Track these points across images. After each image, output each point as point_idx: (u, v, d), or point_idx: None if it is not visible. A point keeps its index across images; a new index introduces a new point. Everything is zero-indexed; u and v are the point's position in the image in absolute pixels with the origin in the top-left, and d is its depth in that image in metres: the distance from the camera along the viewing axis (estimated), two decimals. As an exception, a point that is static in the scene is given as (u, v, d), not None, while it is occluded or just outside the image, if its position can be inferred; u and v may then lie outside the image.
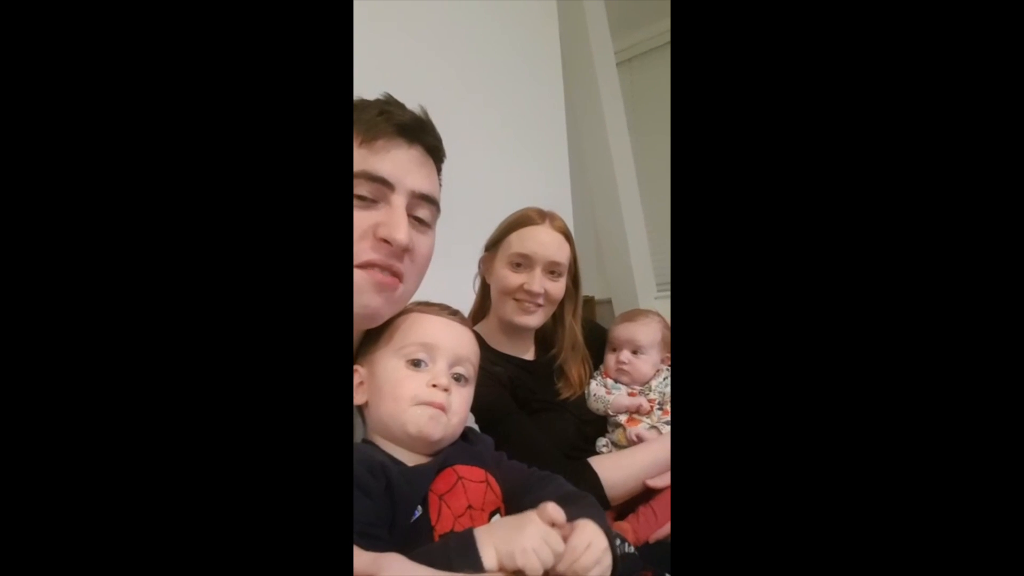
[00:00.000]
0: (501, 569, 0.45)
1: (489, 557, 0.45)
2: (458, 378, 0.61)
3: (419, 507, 0.54)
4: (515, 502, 0.58)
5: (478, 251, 1.07)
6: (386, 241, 0.57)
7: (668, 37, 2.55)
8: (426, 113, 0.64)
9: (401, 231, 0.58)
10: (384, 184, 0.58)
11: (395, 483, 0.53)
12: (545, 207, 1.04)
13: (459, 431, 0.61)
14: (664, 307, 2.06)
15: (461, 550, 0.46)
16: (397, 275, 0.60)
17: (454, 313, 0.66)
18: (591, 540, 0.48)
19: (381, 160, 0.58)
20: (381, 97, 0.64)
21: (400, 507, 0.52)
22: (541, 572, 0.45)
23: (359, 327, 0.64)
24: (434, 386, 0.58)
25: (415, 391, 0.58)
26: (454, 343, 0.61)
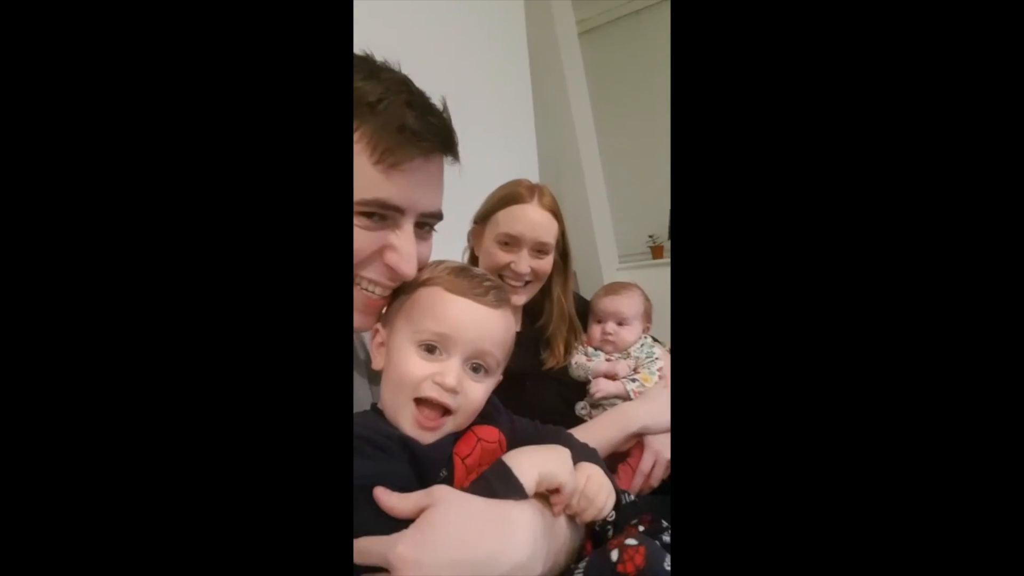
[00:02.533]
0: (538, 490, 0.50)
1: (529, 481, 0.49)
2: (476, 368, 0.55)
3: (444, 469, 0.55)
4: None
5: (451, 223, 1.05)
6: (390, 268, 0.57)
7: (629, 8, 2.57)
8: (447, 108, 0.59)
9: (409, 264, 0.56)
10: (396, 210, 0.56)
11: (419, 453, 0.54)
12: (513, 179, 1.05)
13: (468, 422, 0.57)
14: (625, 278, 2.14)
15: (501, 480, 0.49)
16: (394, 289, 0.59)
17: (488, 290, 0.56)
18: (590, 472, 0.54)
19: (396, 186, 0.54)
20: (404, 82, 0.58)
21: (428, 472, 0.54)
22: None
23: None
24: (438, 384, 0.53)
25: (418, 384, 0.53)
26: (476, 335, 0.54)
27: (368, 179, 0.53)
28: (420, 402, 0.53)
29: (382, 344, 0.58)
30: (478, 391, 0.55)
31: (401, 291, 0.59)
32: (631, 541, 0.50)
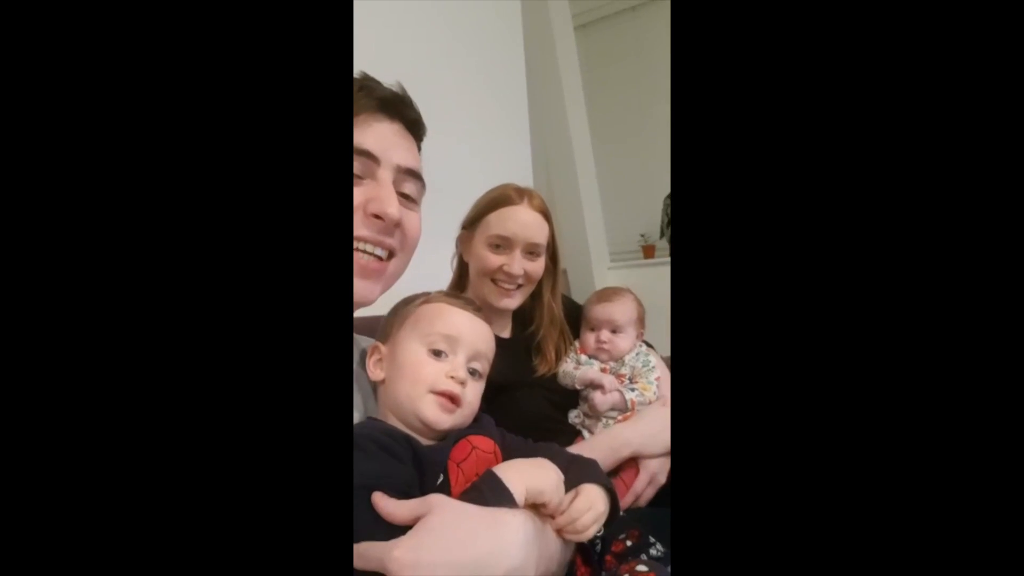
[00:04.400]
0: (526, 502, 0.52)
1: (519, 492, 0.52)
2: (473, 372, 0.64)
3: (441, 474, 0.58)
4: None
5: (441, 226, 1.04)
6: (377, 216, 0.59)
7: (627, 2, 2.55)
8: (403, 88, 0.65)
9: (392, 205, 0.59)
10: (370, 158, 0.59)
11: (420, 454, 0.57)
12: (506, 179, 1.05)
13: (469, 421, 0.64)
14: (616, 277, 2.14)
15: (492, 490, 0.52)
16: (389, 250, 0.62)
17: (479, 309, 0.68)
18: (593, 503, 0.55)
19: (364, 135, 0.59)
20: (357, 76, 0.64)
21: (427, 474, 0.56)
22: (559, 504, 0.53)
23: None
24: (451, 378, 0.61)
25: (433, 379, 0.60)
26: (475, 339, 0.64)
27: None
28: (435, 394, 0.60)
29: (380, 359, 0.65)
30: (475, 390, 0.64)
31: (399, 311, 0.67)
32: (642, 568, 0.54)
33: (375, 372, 0.64)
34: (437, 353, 0.62)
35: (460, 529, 0.48)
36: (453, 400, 0.60)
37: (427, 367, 0.61)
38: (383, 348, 0.65)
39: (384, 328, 0.68)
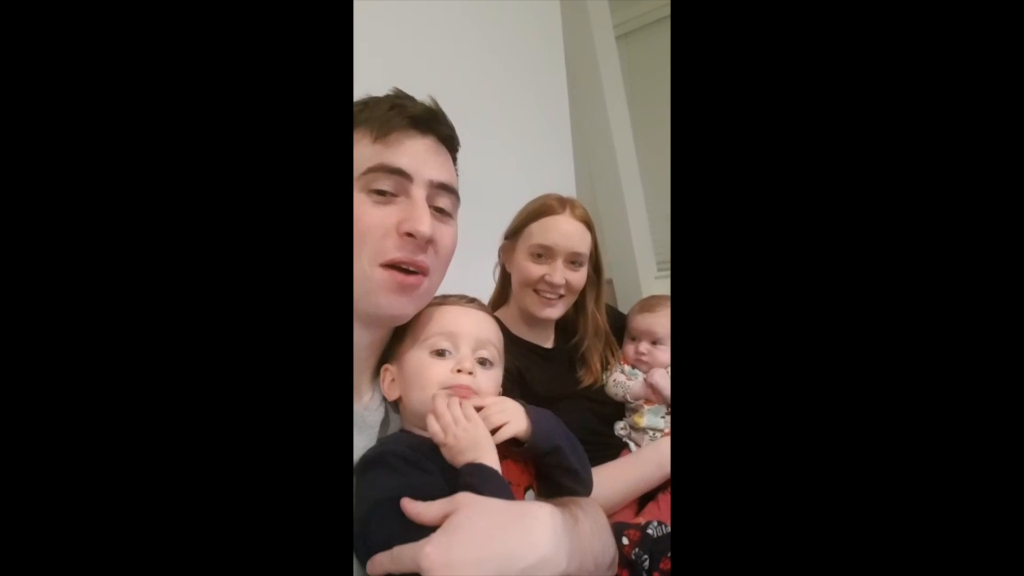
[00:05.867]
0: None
1: (494, 459, 0.54)
2: (483, 361, 0.64)
3: None
4: None
5: (484, 237, 1.06)
6: (410, 235, 0.58)
7: (666, 11, 2.52)
8: (436, 103, 0.65)
9: (424, 223, 0.58)
10: (402, 175, 0.59)
11: (448, 465, 0.56)
12: (549, 189, 1.04)
13: None
14: (663, 286, 2.09)
15: (478, 476, 0.53)
16: (422, 269, 0.61)
17: (471, 301, 0.68)
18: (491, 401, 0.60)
19: (396, 153, 0.59)
20: (390, 92, 0.65)
21: (455, 481, 0.56)
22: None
23: (386, 327, 0.65)
24: (459, 371, 0.61)
25: (441, 378, 0.60)
26: (474, 328, 0.64)
27: (371, 153, 0.59)
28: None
29: (393, 380, 0.65)
30: (489, 379, 0.64)
31: (396, 330, 0.66)
32: None
33: (391, 392, 0.64)
34: (440, 353, 0.62)
35: (489, 523, 0.48)
36: (465, 396, 0.60)
37: (432, 369, 0.61)
38: (392, 368, 0.65)
39: (389, 349, 0.67)
